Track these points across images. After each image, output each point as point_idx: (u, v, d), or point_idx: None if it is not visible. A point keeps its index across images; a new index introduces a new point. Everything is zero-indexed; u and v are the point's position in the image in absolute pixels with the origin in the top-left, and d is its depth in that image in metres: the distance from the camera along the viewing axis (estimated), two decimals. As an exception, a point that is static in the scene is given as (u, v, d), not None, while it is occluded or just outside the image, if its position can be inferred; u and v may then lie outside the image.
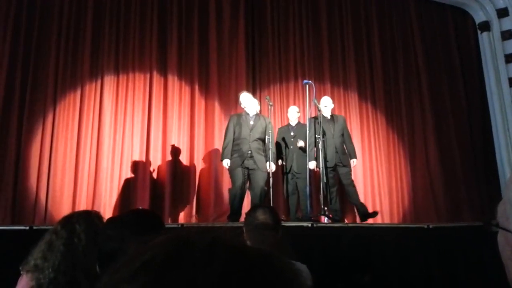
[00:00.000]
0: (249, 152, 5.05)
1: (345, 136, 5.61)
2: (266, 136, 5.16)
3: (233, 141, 5.16)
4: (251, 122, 5.20)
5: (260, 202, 4.92)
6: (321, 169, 5.09)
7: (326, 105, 5.60)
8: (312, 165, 5.25)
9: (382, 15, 7.39)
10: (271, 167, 5.07)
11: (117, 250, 1.32)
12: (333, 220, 5.17)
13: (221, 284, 0.40)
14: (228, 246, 0.44)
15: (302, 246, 3.65)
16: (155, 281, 0.41)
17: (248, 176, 5.12)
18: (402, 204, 6.65)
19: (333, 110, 5.76)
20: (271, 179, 5.01)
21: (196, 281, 0.40)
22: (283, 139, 5.59)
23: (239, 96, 5.50)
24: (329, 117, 5.56)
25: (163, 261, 0.42)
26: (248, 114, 5.27)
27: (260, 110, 5.59)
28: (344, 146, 5.57)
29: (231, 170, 5.12)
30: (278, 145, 5.58)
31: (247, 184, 5.18)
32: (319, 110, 5.33)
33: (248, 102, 5.33)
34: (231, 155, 5.11)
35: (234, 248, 0.44)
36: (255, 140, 5.12)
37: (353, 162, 5.58)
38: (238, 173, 5.03)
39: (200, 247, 0.43)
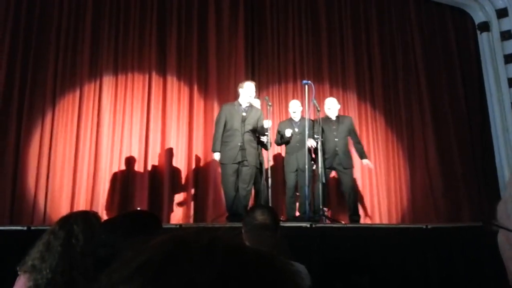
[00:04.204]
0: (241, 144, 4.95)
1: (352, 137, 5.51)
2: (266, 129, 5.09)
3: (224, 132, 5.04)
4: (244, 114, 5.07)
5: (245, 201, 4.93)
6: (319, 169, 5.06)
7: (330, 107, 5.51)
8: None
9: (381, 15, 7.40)
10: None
11: (111, 255, 1.31)
12: (331, 220, 5.17)
13: (219, 284, 0.40)
14: (226, 246, 0.44)
15: (301, 247, 3.65)
16: (153, 281, 0.41)
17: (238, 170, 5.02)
18: (401, 204, 6.65)
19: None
20: (269, 179, 5.00)
21: (194, 281, 0.40)
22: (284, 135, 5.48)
23: (244, 83, 5.25)
24: (334, 118, 5.46)
25: (161, 261, 0.42)
26: (240, 104, 5.13)
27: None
28: (349, 148, 5.48)
29: (222, 164, 5.04)
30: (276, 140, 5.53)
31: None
32: (318, 111, 5.30)
33: (249, 91, 5.12)
34: (223, 148, 5.00)
35: (232, 248, 0.45)
36: (248, 132, 5.02)
37: (364, 162, 5.53)
38: (230, 169, 4.95)
39: (198, 247, 0.43)
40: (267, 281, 0.42)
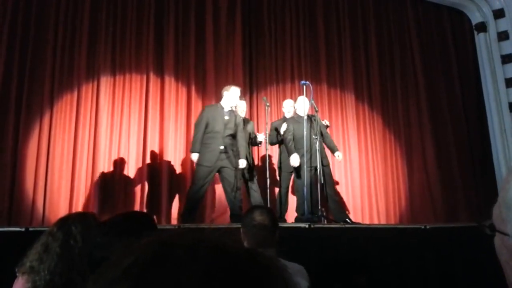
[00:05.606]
0: (222, 147, 4.88)
1: (324, 134, 5.38)
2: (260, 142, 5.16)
3: (205, 133, 4.93)
4: (226, 117, 4.98)
5: (238, 201, 4.89)
6: (319, 169, 5.05)
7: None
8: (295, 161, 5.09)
9: (379, 15, 7.41)
10: (243, 164, 4.92)
11: (106, 257, 1.31)
12: (330, 220, 5.17)
13: (205, 282, 0.40)
14: (211, 246, 0.45)
15: (299, 247, 3.65)
16: (139, 283, 0.41)
17: (219, 173, 4.95)
18: (399, 204, 6.67)
19: (330, 110, 5.69)
20: (268, 180, 5.01)
21: (180, 281, 0.40)
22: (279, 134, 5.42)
23: (230, 87, 5.16)
24: (305, 117, 5.21)
25: (146, 263, 0.43)
26: (223, 108, 5.04)
27: (256, 111, 5.51)
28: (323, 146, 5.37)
29: (198, 165, 4.93)
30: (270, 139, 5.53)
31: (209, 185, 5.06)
32: (316, 111, 5.31)
33: (234, 96, 5.06)
34: (202, 150, 4.90)
35: (217, 247, 0.45)
36: (228, 136, 4.94)
37: (338, 156, 5.34)
38: (205, 172, 4.84)
39: (183, 248, 0.44)
40: (252, 277, 0.43)
